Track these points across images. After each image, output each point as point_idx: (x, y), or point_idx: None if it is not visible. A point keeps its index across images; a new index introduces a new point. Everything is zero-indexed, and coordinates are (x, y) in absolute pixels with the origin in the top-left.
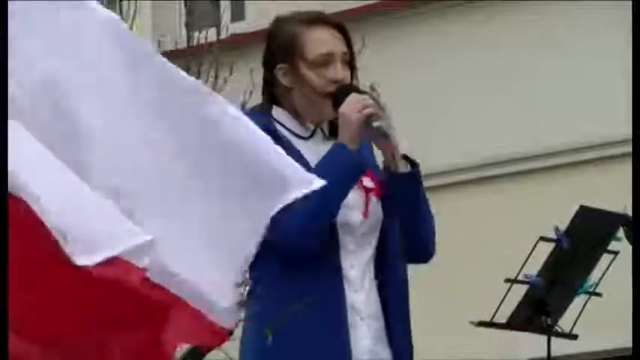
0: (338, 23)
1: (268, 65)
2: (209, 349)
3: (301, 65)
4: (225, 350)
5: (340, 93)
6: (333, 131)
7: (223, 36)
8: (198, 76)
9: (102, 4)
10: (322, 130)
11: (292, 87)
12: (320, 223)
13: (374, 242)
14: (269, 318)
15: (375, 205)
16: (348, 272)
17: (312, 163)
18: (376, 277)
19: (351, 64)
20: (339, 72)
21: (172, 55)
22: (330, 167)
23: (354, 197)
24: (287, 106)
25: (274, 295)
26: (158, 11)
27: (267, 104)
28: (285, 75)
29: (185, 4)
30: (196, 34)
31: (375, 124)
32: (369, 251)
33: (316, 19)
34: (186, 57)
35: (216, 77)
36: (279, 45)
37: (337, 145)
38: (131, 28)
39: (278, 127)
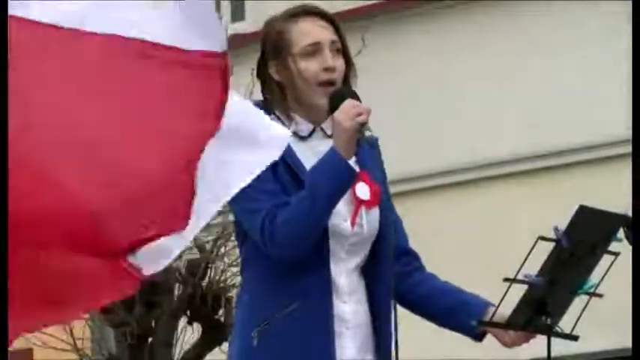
0: (324, 13)
1: (263, 66)
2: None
3: (290, 59)
4: (225, 350)
5: (336, 97)
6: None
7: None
8: None
9: None
10: (322, 129)
11: (285, 83)
12: (310, 228)
13: (365, 251)
14: (255, 323)
15: (371, 216)
16: (337, 280)
17: (312, 162)
18: (366, 284)
19: (345, 53)
20: (328, 59)
21: None
22: (322, 174)
23: (346, 207)
24: (283, 105)
25: (262, 301)
26: None
27: (267, 102)
28: (277, 72)
29: None
30: None
31: (367, 133)
32: (357, 260)
33: (300, 12)
34: None
35: None
36: (268, 43)
37: (330, 152)
38: None
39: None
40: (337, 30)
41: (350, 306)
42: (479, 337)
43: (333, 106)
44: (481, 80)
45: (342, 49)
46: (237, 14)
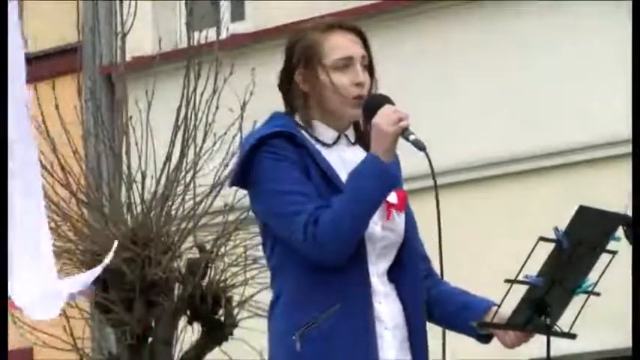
0: (356, 28)
1: (287, 73)
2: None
3: (320, 71)
4: (225, 350)
5: (371, 103)
6: (359, 137)
7: (223, 36)
8: (198, 76)
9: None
10: (346, 136)
11: (310, 93)
12: (353, 231)
13: (391, 256)
14: (295, 328)
15: (397, 221)
16: (373, 282)
17: (340, 168)
18: (395, 287)
19: (370, 69)
20: (359, 74)
21: (172, 55)
22: (365, 178)
23: (377, 211)
24: (305, 114)
25: (300, 306)
26: (158, 11)
27: (290, 111)
28: (303, 81)
29: (185, 4)
30: (196, 34)
31: (412, 137)
32: (385, 264)
33: (333, 26)
34: (186, 57)
35: (216, 77)
36: (298, 53)
37: (371, 157)
38: (130, 27)
39: (303, 132)
40: (366, 45)
41: (386, 307)
42: (485, 338)
43: (369, 111)
44: (481, 80)
45: (371, 64)
46: (237, 14)
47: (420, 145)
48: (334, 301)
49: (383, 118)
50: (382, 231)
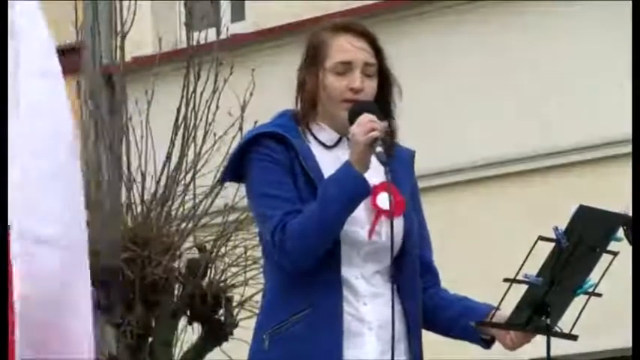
0: (366, 33)
1: (301, 71)
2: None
3: (321, 71)
4: (225, 350)
5: (355, 110)
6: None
7: (223, 36)
8: (198, 76)
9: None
10: (348, 138)
11: (312, 93)
12: (319, 240)
13: (385, 260)
14: (268, 327)
15: (394, 227)
16: (354, 284)
17: (329, 173)
18: (394, 286)
19: (383, 75)
20: (356, 80)
21: (172, 55)
22: (333, 186)
23: (365, 215)
24: (308, 113)
25: (275, 305)
26: (158, 11)
27: (301, 110)
28: (309, 80)
29: (185, 4)
30: (196, 34)
31: (378, 149)
32: (377, 266)
33: (342, 27)
34: (186, 57)
35: (216, 77)
36: (307, 50)
37: (345, 164)
38: (130, 27)
39: (303, 131)
40: (378, 54)
41: (370, 307)
42: (486, 343)
43: (352, 118)
44: (483, 80)
45: (384, 72)
46: (237, 14)
47: (381, 159)
48: (305, 303)
49: (359, 127)
50: (369, 236)
